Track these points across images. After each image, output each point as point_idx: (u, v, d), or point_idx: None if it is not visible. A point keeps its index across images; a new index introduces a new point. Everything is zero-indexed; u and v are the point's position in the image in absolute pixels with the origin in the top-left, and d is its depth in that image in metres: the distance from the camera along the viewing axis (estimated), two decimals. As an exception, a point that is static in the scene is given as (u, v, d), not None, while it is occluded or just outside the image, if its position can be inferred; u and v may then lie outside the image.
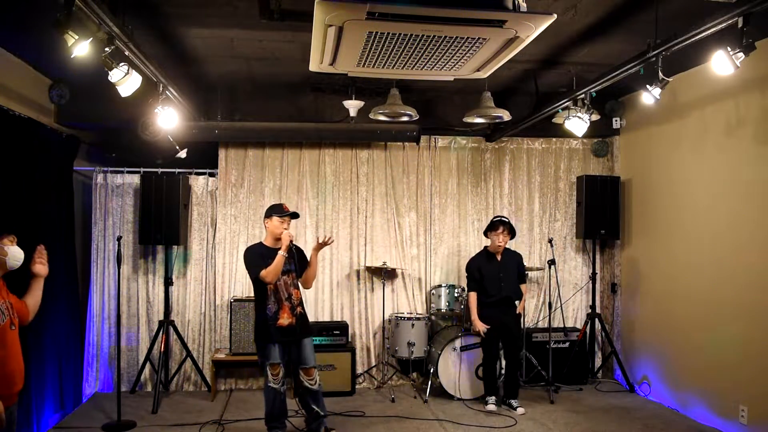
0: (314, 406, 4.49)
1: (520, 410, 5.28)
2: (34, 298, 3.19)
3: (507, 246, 5.50)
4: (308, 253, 4.71)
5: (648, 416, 5.21)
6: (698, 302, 5.09)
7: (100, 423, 4.96)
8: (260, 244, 4.57)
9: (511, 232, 5.45)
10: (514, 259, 5.54)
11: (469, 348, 5.67)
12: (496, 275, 5.38)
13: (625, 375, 6.10)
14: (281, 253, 4.31)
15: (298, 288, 4.56)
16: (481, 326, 5.33)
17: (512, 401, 5.38)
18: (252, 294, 6.06)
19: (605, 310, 6.63)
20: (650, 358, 5.84)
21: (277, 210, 4.50)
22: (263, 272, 4.29)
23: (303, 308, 4.57)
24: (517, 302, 5.47)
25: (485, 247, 5.57)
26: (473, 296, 5.43)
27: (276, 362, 4.37)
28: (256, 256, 4.40)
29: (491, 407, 5.35)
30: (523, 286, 5.54)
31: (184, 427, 4.92)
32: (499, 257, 5.45)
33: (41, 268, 3.17)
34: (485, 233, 5.53)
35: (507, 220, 5.47)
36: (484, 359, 5.49)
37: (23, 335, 4.37)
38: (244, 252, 4.53)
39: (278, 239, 4.42)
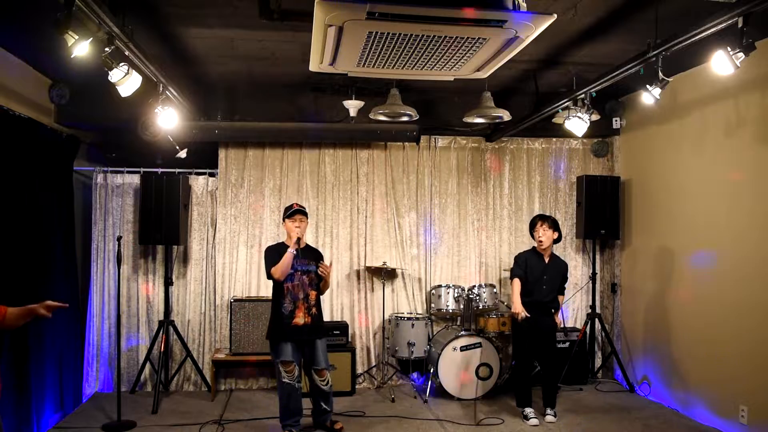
0: (323, 404, 4.65)
1: (549, 418, 5.07)
2: (15, 319, 2.75)
3: (556, 253, 5.34)
4: (327, 259, 4.92)
5: (648, 416, 5.21)
6: (698, 302, 5.09)
7: (100, 423, 4.97)
8: (281, 243, 4.74)
9: (555, 229, 5.14)
10: (560, 266, 5.26)
11: (469, 348, 5.67)
12: (540, 276, 5.14)
13: (625, 375, 6.10)
14: (289, 251, 4.50)
15: (316, 289, 4.67)
16: (520, 309, 5.01)
17: (547, 408, 5.15)
18: (255, 294, 6.15)
19: (605, 310, 6.63)
20: (650, 358, 5.84)
21: (285, 212, 4.72)
22: (273, 268, 4.50)
23: (319, 309, 4.68)
24: (553, 311, 5.22)
25: (533, 247, 5.30)
26: (517, 282, 5.13)
27: (288, 360, 4.48)
28: (274, 254, 4.59)
29: (534, 420, 5.00)
30: (560, 298, 5.28)
31: (184, 427, 4.92)
32: (546, 259, 5.18)
33: (44, 313, 2.82)
34: (531, 235, 5.29)
35: (548, 216, 5.23)
36: (516, 366, 5.26)
37: (23, 335, 4.41)
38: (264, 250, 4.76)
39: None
